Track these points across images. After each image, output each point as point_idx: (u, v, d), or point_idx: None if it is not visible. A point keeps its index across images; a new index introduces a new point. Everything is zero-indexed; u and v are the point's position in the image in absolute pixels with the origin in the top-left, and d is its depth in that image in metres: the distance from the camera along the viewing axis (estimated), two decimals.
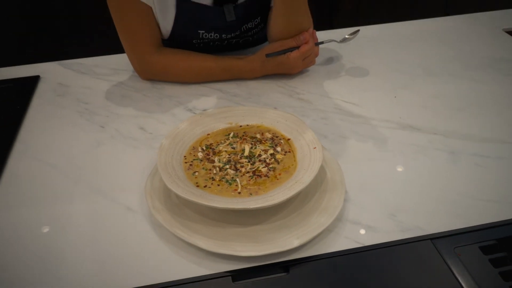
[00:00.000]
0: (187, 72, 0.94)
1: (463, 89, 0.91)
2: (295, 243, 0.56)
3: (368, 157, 0.73)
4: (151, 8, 0.88)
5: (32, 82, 0.98)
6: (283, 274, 0.56)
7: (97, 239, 0.61)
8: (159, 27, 0.91)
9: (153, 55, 0.92)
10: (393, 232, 0.60)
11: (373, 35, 1.12)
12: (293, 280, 0.55)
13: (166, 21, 0.90)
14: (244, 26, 0.94)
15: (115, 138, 0.80)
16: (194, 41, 0.94)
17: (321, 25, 1.10)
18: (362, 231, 0.60)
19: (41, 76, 1.00)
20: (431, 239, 0.59)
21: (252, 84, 0.94)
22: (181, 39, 0.93)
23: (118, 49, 0.97)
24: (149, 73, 0.95)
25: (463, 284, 0.53)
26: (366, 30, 1.10)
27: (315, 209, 0.62)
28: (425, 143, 0.76)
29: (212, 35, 0.93)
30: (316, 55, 0.95)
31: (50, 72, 1.01)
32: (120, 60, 1.04)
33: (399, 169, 0.71)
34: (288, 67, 0.93)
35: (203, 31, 0.92)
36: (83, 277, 0.55)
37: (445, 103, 0.86)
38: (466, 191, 0.66)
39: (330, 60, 1.02)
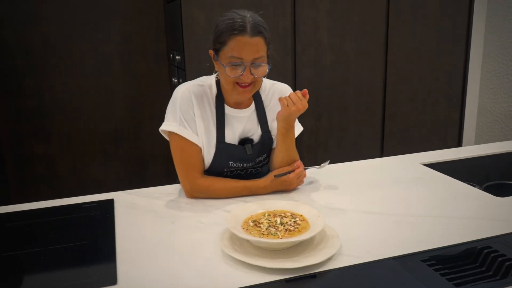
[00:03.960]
0: (221, 190, 1.40)
1: (400, 194, 1.42)
2: (319, 259, 0.98)
3: (349, 224, 1.19)
4: (200, 148, 1.39)
5: (110, 202, 1.39)
6: (313, 278, 0.96)
7: (190, 277, 0.99)
8: (203, 160, 1.41)
9: (200, 179, 1.39)
10: (372, 257, 1.03)
11: (337, 168, 1.66)
12: (319, 282, 0.95)
13: (209, 156, 1.40)
14: (257, 159, 1.46)
15: (183, 228, 1.22)
16: (225, 170, 1.44)
17: None
18: (353, 258, 1.03)
19: (114, 199, 1.42)
20: (393, 258, 1.03)
21: (265, 197, 1.41)
22: (217, 168, 1.43)
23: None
24: (195, 192, 1.40)
25: (414, 276, 0.95)
26: (333, 165, 1.65)
27: (325, 246, 1.05)
28: (380, 217, 1.23)
29: (237, 164, 1.43)
30: (305, 176, 1.45)
31: (119, 197, 1.44)
32: (166, 189, 1.50)
33: (369, 231, 1.16)
34: (287, 184, 1.42)
35: (232, 162, 1.42)
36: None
37: (390, 200, 1.36)
38: (409, 237, 1.12)
39: (313, 181, 1.53)
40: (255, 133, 1.46)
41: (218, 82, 1.42)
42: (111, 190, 1.49)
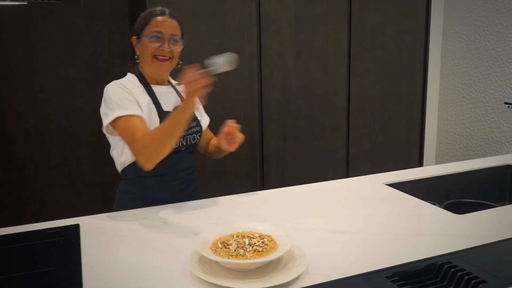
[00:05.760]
0: (158, 133, 1.42)
1: (365, 213, 1.46)
2: (288, 279, 1.00)
3: (316, 244, 1.21)
4: (144, 119, 1.52)
5: (75, 227, 1.37)
6: None
7: None
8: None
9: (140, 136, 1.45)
10: (339, 275, 1.05)
11: (304, 189, 1.70)
12: None
13: (153, 125, 1.52)
14: (190, 124, 1.62)
15: (152, 252, 1.21)
16: None
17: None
18: (321, 277, 1.05)
19: (79, 224, 1.40)
20: (359, 275, 1.05)
21: (233, 218, 1.42)
22: None
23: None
24: (142, 151, 1.41)
25: None
26: (301, 186, 1.68)
27: (293, 266, 1.06)
28: (346, 236, 1.26)
29: None
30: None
31: (85, 222, 1.42)
32: (133, 213, 1.50)
33: (335, 249, 1.19)
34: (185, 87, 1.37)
35: None
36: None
37: (355, 219, 1.40)
38: (374, 255, 1.15)
39: (280, 202, 1.55)
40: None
41: (136, 73, 1.63)
42: (76, 216, 1.47)
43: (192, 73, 1.33)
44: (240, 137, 1.60)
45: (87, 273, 1.10)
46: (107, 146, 1.57)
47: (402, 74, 3.17)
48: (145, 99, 1.57)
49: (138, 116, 1.50)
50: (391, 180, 1.81)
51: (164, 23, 1.56)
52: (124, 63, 2.96)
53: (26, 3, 2.34)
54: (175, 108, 1.42)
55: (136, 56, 1.64)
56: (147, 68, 1.60)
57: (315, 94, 2.93)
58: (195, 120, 1.70)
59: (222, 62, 1.34)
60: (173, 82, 1.75)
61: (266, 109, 2.78)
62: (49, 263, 1.16)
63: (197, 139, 1.69)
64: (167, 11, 1.59)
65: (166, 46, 1.55)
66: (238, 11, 2.65)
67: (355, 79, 3.01)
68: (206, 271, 1.06)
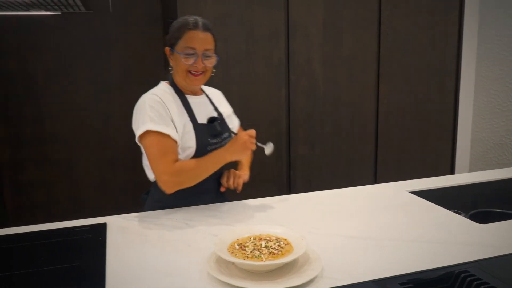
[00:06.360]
0: (193, 167, 1.49)
1: (384, 220, 1.46)
2: (302, 281, 1.02)
3: (332, 249, 1.23)
4: (176, 142, 1.51)
5: (102, 226, 1.44)
6: None
7: None
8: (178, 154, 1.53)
9: (174, 163, 1.48)
10: (353, 279, 1.07)
11: (326, 194, 1.71)
12: None
13: (191, 141, 1.53)
14: (223, 135, 1.63)
15: (172, 252, 1.26)
16: (208, 148, 1.56)
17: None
18: (335, 281, 1.06)
19: (107, 223, 1.47)
20: (373, 281, 1.06)
21: (251, 221, 1.45)
22: (201, 147, 1.55)
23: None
24: (170, 177, 1.47)
25: None
26: (323, 192, 1.70)
27: (307, 269, 1.08)
28: (362, 242, 1.27)
29: (215, 139, 1.59)
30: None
31: (112, 221, 1.48)
32: (157, 214, 1.55)
33: (351, 255, 1.20)
34: (240, 141, 1.48)
35: (210, 138, 1.57)
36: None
37: (373, 226, 1.40)
38: (389, 261, 1.15)
39: (301, 207, 1.57)
40: (214, 114, 1.68)
41: (170, 83, 1.62)
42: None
43: (252, 134, 1.49)
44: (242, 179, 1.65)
45: (110, 269, 1.15)
46: (140, 149, 1.61)
47: (433, 81, 3.13)
48: (182, 115, 1.56)
49: (169, 137, 1.49)
50: (415, 187, 1.79)
51: (198, 38, 1.52)
52: (156, 69, 3.05)
53: (59, 12, 2.45)
54: (219, 148, 1.54)
55: (170, 68, 1.62)
56: (180, 81, 1.59)
57: (342, 100, 2.93)
58: (228, 130, 1.69)
59: (270, 148, 1.54)
60: (206, 89, 1.75)
61: (293, 114, 2.80)
62: (75, 259, 1.22)
63: None
64: (200, 23, 1.54)
65: (199, 62, 1.53)
66: (266, 17, 2.68)
67: (384, 85, 2.99)
68: (222, 271, 1.09)
